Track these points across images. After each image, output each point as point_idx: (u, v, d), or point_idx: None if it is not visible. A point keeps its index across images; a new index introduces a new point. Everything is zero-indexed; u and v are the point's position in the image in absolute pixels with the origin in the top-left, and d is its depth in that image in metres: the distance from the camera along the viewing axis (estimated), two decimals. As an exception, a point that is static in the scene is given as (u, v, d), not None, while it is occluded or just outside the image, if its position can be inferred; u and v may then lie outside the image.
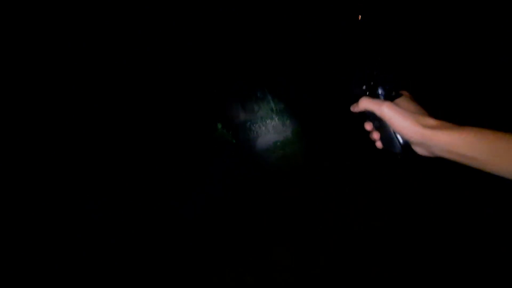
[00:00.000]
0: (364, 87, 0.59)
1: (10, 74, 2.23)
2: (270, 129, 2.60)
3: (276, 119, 2.59)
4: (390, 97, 0.58)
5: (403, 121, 0.52)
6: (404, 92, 0.60)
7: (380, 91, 0.59)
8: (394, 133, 0.56)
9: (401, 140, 0.56)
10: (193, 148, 2.48)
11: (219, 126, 2.29)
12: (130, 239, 2.28)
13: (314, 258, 1.98)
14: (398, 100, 0.58)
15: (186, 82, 2.52)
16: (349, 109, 0.62)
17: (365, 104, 0.58)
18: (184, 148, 2.50)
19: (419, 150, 0.54)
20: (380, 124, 0.58)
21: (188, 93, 2.52)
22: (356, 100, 0.59)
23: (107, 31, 2.31)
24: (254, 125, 2.62)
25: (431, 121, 0.50)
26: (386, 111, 0.54)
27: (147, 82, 2.48)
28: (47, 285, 2.09)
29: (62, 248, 2.22)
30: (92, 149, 2.43)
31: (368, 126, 0.62)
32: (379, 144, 0.61)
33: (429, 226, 1.87)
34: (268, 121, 2.62)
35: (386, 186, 2.10)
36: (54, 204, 2.32)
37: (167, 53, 2.43)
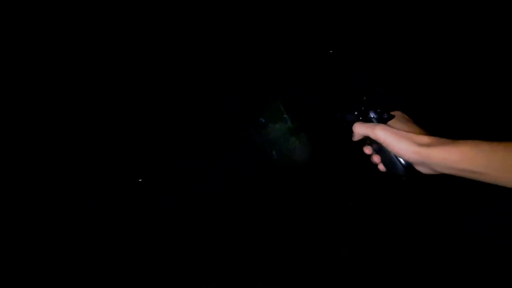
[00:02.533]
0: (356, 113, 0.60)
1: (10, 74, 2.23)
2: (271, 129, 2.60)
3: (277, 119, 2.59)
4: (382, 120, 0.58)
5: (398, 142, 0.51)
6: (397, 112, 0.60)
7: (372, 115, 0.59)
8: (395, 155, 0.56)
9: (402, 161, 0.55)
10: (193, 148, 2.48)
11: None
12: (130, 239, 2.28)
13: (315, 258, 1.98)
14: (391, 122, 0.58)
15: (186, 82, 2.51)
16: (349, 139, 0.62)
17: (358, 129, 0.58)
18: (184, 148, 2.50)
19: (423, 169, 0.53)
20: (379, 147, 0.58)
21: (188, 93, 2.52)
22: (350, 126, 0.59)
23: (107, 31, 2.31)
24: (255, 125, 2.61)
25: (426, 139, 0.50)
26: (380, 133, 0.53)
27: (147, 82, 2.48)
28: (47, 285, 2.09)
29: (62, 248, 2.22)
30: (92, 149, 2.43)
31: (367, 150, 0.62)
32: (381, 167, 0.60)
33: (432, 228, 1.87)
34: (269, 121, 2.61)
35: (389, 187, 2.10)
36: (54, 204, 2.32)
37: (167, 53, 2.43)
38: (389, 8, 2.23)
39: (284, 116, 2.33)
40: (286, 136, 2.43)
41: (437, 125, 1.87)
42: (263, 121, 2.36)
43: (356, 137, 0.60)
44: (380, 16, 2.21)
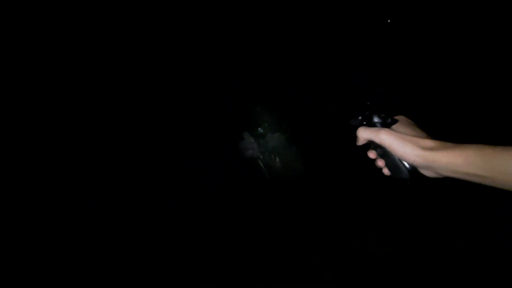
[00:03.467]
0: (360, 118, 0.61)
1: (10, 74, 2.23)
2: (271, 129, 2.59)
3: (277, 120, 2.58)
4: (386, 124, 0.58)
5: (402, 146, 0.52)
6: (400, 117, 0.61)
7: (376, 119, 0.59)
8: (399, 159, 0.56)
9: (407, 165, 0.56)
10: (193, 148, 2.48)
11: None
12: (130, 239, 2.28)
13: (315, 259, 1.98)
14: (395, 126, 0.59)
15: (186, 82, 2.51)
16: (354, 144, 0.62)
17: (363, 134, 0.58)
18: (184, 148, 2.50)
19: (427, 173, 0.53)
20: (383, 151, 0.58)
21: (188, 93, 2.52)
22: (354, 131, 0.60)
23: (107, 31, 2.31)
24: (256, 125, 2.61)
25: (430, 143, 0.50)
26: (384, 137, 0.54)
27: (147, 82, 2.48)
28: (47, 285, 2.10)
29: (62, 248, 2.22)
30: (91, 149, 2.43)
31: (372, 154, 0.62)
32: (386, 171, 0.61)
33: (436, 230, 1.87)
34: (269, 122, 2.61)
35: (392, 191, 2.09)
36: (54, 204, 2.32)
37: (167, 53, 2.43)
38: (389, 8, 2.24)
39: (283, 125, 2.33)
40: (286, 145, 2.42)
41: (437, 125, 1.86)
42: (261, 131, 2.36)
43: (360, 142, 0.60)
44: (380, 16, 2.21)
